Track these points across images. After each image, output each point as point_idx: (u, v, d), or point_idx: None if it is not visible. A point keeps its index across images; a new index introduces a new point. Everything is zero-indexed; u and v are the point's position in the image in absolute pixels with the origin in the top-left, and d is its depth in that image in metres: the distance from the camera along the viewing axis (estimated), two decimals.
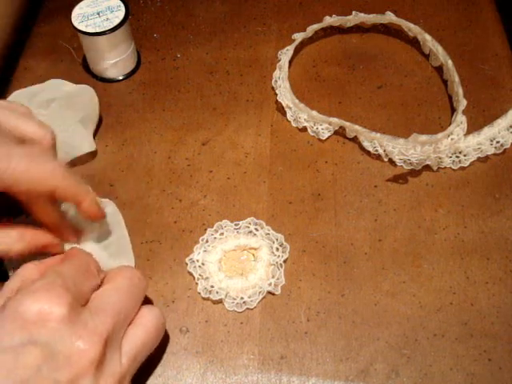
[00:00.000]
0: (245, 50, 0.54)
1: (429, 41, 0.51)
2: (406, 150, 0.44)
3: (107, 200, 0.43)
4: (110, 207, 0.42)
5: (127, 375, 0.32)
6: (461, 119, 0.46)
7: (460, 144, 0.45)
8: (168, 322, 0.39)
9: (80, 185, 0.37)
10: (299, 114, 0.48)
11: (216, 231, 0.42)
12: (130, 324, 0.33)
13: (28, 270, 0.34)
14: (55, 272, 0.32)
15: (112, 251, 0.40)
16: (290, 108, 0.48)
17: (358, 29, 0.54)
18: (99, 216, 0.39)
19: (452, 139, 0.45)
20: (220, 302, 0.40)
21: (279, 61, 0.51)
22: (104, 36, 0.48)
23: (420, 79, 0.51)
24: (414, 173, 0.45)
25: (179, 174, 0.46)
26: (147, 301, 0.37)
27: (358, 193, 0.44)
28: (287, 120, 0.48)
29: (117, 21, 0.48)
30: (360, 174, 0.45)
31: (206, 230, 0.43)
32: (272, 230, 0.42)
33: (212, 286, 0.40)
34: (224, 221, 0.43)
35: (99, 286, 0.34)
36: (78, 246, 0.39)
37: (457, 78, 0.48)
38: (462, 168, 0.45)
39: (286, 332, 0.38)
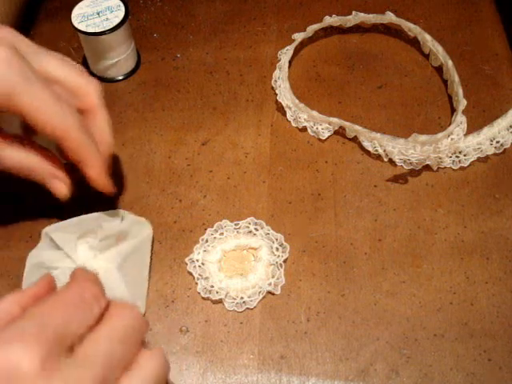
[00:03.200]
0: (245, 50, 0.54)
1: (429, 41, 0.51)
2: (406, 150, 0.44)
3: (144, 220, 0.41)
4: (145, 230, 0.41)
5: None
6: (461, 119, 0.46)
7: (460, 144, 0.45)
8: (168, 322, 0.39)
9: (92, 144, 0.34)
10: (299, 113, 0.48)
11: (216, 231, 0.42)
12: (128, 369, 0.28)
13: (7, 304, 0.28)
14: (32, 316, 0.27)
15: (127, 279, 0.39)
16: (290, 108, 0.48)
17: (358, 29, 0.54)
18: (106, 189, 0.37)
19: (452, 139, 0.45)
20: (220, 301, 0.40)
21: (279, 61, 0.51)
22: (104, 36, 0.48)
23: (420, 79, 0.51)
24: (414, 173, 0.45)
25: (179, 174, 0.46)
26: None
27: (358, 193, 0.44)
28: (287, 120, 0.48)
29: (117, 21, 0.48)
30: (360, 173, 0.45)
31: (205, 229, 0.43)
32: (272, 229, 0.42)
33: (212, 286, 0.40)
34: (224, 221, 0.43)
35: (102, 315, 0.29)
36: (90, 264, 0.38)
37: (457, 78, 0.48)
38: (462, 168, 0.45)
39: (286, 332, 0.38)
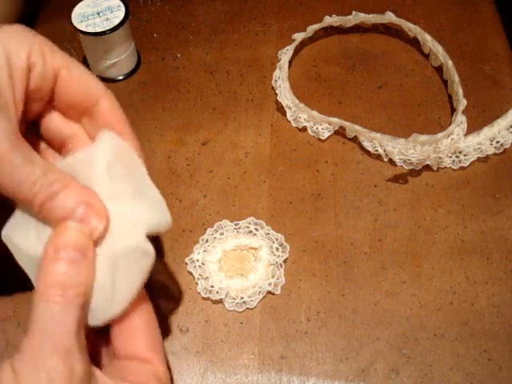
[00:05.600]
0: (245, 49, 0.54)
1: (429, 41, 0.51)
2: (406, 150, 0.44)
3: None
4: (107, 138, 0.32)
5: None
6: (461, 119, 0.46)
7: (460, 144, 0.45)
8: (168, 322, 0.39)
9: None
10: (299, 113, 0.48)
11: (216, 231, 0.42)
12: None
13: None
14: None
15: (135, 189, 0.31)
16: (290, 108, 0.48)
17: (358, 29, 0.54)
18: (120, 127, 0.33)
19: (452, 139, 0.45)
20: (220, 301, 0.40)
21: (279, 61, 0.51)
22: (104, 36, 0.48)
23: (420, 79, 0.51)
24: (414, 173, 0.45)
25: (179, 174, 0.46)
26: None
27: (358, 193, 0.44)
28: (287, 120, 0.48)
29: (117, 21, 0.48)
30: (360, 173, 0.45)
31: (205, 229, 0.43)
32: (272, 229, 0.42)
33: (212, 286, 0.40)
34: (224, 221, 0.43)
35: None
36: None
37: (457, 78, 0.48)
38: (462, 168, 0.45)
39: (286, 332, 0.38)
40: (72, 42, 0.55)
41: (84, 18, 0.48)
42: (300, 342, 0.38)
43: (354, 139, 0.47)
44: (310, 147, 0.47)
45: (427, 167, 0.45)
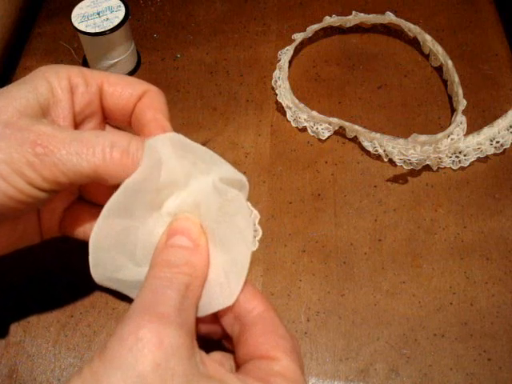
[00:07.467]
0: (245, 50, 0.54)
1: (429, 41, 0.51)
2: (406, 150, 0.45)
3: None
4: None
5: None
6: (461, 119, 0.46)
7: (460, 144, 0.45)
8: None
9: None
10: (299, 114, 0.48)
11: None
12: None
13: None
14: None
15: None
16: (290, 108, 0.48)
17: (358, 29, 0.54)
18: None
19: (452, 139, 0.45)
20: None
21: (279, 61, 0.51)
22: (104, 36, 0.48)
23: (420, 79, 0.51)
24: (414, 173, 0.45)
25: None
26: None
27: (358, 193, 0.44)
28: (287, 120, 0.48)
29: (117, 21, 0.48)
30: (360, 174, 0.45)
31: None
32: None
33: None
34: None
35: None
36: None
37: (457, 79, 0.48)
38: (462, 168, 0.45)
39: None
40: (72, 42, 0.55)
41: (84, 18, 0.48)
42: (300, 341, 0.38)
43: (354, 139, 0.47)
44: (309, 147, 0.47)
45: (427, 167, 0.45)
